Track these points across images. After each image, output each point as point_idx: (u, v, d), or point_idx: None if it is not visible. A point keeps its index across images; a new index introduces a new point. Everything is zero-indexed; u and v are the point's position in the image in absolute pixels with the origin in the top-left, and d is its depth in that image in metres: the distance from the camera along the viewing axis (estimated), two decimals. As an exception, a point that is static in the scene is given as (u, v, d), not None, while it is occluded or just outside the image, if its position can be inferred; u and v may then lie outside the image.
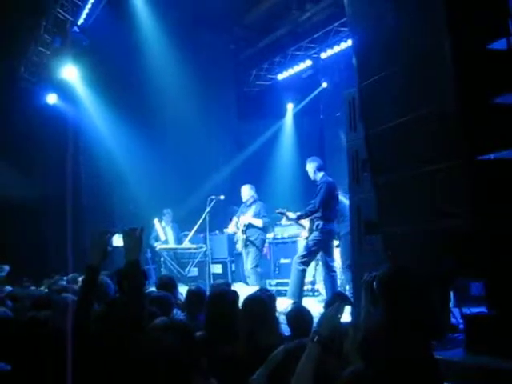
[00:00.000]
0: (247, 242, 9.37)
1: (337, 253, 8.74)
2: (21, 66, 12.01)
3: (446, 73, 3.91)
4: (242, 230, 9.46)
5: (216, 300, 3.88)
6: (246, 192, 9.62)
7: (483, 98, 3.97)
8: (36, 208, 11.84)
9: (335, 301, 2.73)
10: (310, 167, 8.10)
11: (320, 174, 8.03)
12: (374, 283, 3.77)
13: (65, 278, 6.93)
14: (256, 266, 9.23)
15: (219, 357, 3.34)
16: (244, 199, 9.65)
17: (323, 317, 2.58)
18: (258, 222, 9.37)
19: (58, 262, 11.29)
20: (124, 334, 2.80)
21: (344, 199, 8.26)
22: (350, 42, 10.15)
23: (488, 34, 4.03)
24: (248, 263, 9.29)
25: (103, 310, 3.34)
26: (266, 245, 10.92)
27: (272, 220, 10.31)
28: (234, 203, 10.50)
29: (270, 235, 11.06)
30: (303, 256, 7.89)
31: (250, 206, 9.53)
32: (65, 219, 7.36)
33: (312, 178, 8.12)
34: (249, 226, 9.39)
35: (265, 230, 9.56)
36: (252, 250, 9.31)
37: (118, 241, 3.26)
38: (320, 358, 2.41)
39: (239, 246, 9.64)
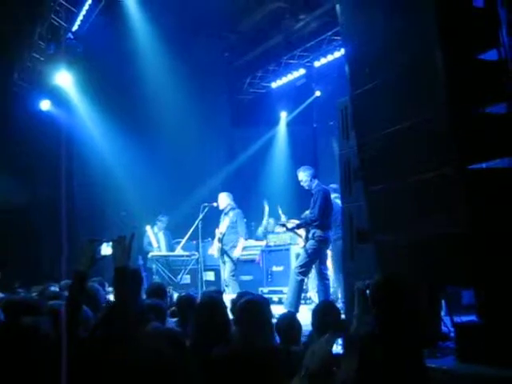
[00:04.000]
0: (222, 252, 9.40)
1: (329, 260, 8.71)
2: (14, 72, 11.98)
3: (438, 82, 3.95)
4: (219, 238, 9.48)
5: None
6: (223, 200, 9.64)
7: (474, 108, 4.00)
8: (29, 214, 11.78)
9: (323, 308, 2.73)
10: (305, 175, 8.05)
11: (315, 182, 8.03)
12: (367, 291, 3.78)
13: (56, 284, 6.90)
14: (233, 275, 9.28)
15: (215, 358, 3.35)
16: (221, 207, 9.67)
17: (313, 351, 2.57)
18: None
19: (51, 268, 11.25)
20: (115, 340, 2.81)
21: (338, 200, 8.13)
22: (343, 51, 10.18)
23: (479, 45, 4.07)
24: (225, 273, 9.32)
25: (101, 316, 3.37)
26: (259, 252, 10.91)
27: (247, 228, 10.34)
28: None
29: (262, 243, 11.04)
30: (301, 266, 7.85)
31: (226, 213, 9.56)
32: (58, 225, 7.35)
33: (306, 187, 8.07)
34: (224, 234, 9.40)
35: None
36: (227, 260, 9.34)
37: (106, 249, 3.30)
38: None
39: (214, 252, 9.64)
